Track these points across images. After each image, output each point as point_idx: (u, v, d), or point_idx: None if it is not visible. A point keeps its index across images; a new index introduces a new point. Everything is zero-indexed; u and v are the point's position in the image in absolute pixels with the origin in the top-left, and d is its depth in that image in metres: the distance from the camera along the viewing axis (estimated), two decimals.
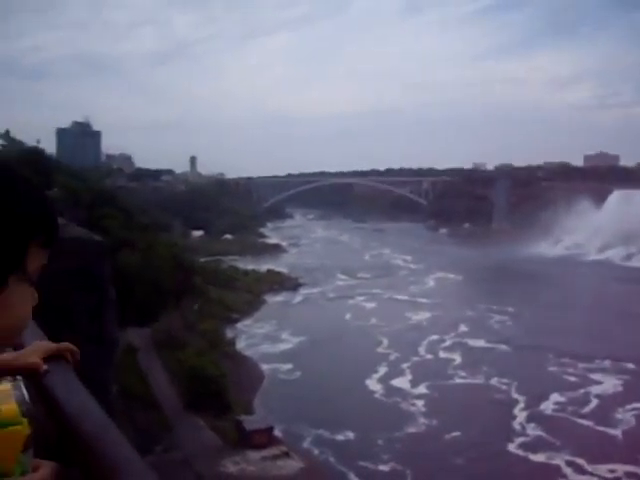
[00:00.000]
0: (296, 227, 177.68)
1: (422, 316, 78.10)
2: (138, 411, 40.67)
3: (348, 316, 79.03)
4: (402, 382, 56.11)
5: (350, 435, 46.05)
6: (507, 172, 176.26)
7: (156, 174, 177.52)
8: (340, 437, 46.04)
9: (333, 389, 52.37)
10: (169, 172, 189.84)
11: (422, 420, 48.62)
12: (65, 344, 1.57)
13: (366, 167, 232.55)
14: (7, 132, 72.27)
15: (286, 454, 42.84)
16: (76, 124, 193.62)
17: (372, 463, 42.35)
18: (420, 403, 51.64)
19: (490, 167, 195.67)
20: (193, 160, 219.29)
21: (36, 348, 1.47)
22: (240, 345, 65.66)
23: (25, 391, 0.94)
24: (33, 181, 1.25)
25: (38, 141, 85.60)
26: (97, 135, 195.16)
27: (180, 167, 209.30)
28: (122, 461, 1.10)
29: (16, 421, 0.88)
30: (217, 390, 48.26)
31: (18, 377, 0.99)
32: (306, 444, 45.68)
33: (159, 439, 39.92)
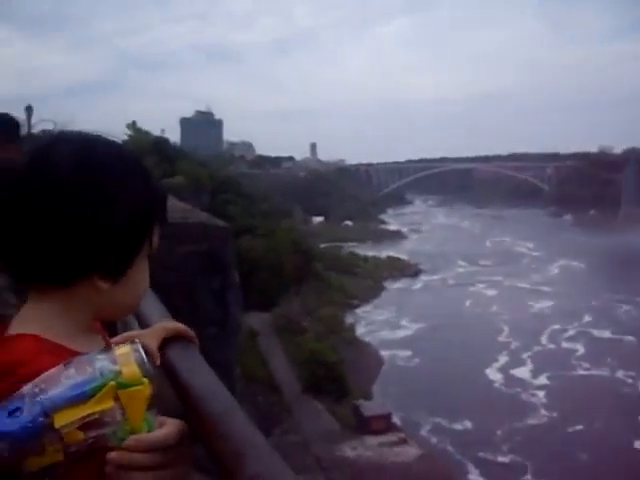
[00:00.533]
0: (416, 213, 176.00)
1: (544, 304, 75.69)
2: (259, 394, 41.48)
3: (468, 303, 77.78)
4: (522, 372, 54.70)
5: (468, 424, 45.38)
6: (636, 156, 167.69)
7: (277, 161, 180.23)
8: (458, 426, 45.44)
9: (452, 377, 51.68)
10: (290, 159, 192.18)
11: (543, 412, 47.26)
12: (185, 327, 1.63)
13: (488, 152, 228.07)
14: (134, 123, 74.76)
15: (404, 441, 42.66)
16: (199, 113, 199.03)
17: (491, 454, 41.59)
18: (541, 394, 50.20)
19: (618, 151, 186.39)
20: (313, 146, 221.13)
21: (159, 329, 1.57)
22: (360, 331, 65.79)
23: (144, 353, 0.97)
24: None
25: (163, 130, 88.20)
26: (219, 123, 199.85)
27: (301, 154, 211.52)
28: (247, 442, 1.12)
29: (138, 382, 0.93)
30: (336, 375, 48.56)
31: (136, 340, 1.02)
32: (424, 432, 45.35)
33: (278, 422, 40.59)
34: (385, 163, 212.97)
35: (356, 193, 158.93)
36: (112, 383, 0.91)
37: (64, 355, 1.01)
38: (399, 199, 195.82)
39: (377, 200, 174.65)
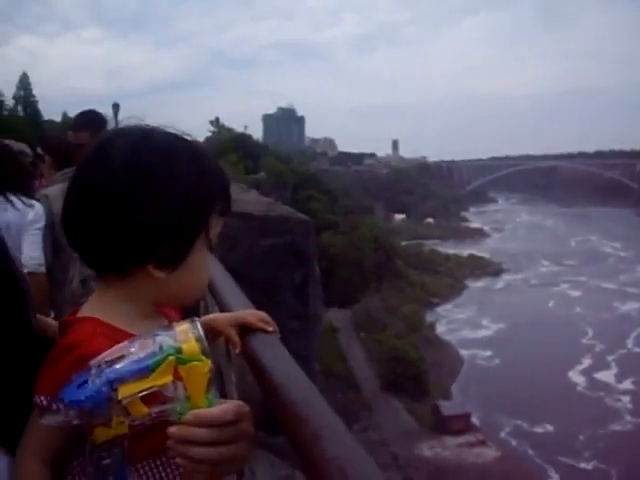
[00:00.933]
0: (499, 211, 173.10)
1: (631, 306, 73.30)
2: (337, 390, 41.68)
3: (551, 304, 76.17)
4: (607, 376, 53.29)
5: (549, 428, 44.54)
6: None
7: (359, 157, 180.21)
8: (539, 429, 44.65)
9: (533, 379, 50.75)
10: (371, 155, 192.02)
11: (628, 418, 46.00)
12: (265, 326, 1.67)
13: (573, 149, 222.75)
14: (217, 119, 76.28)
15: (482, 442, 42.24)
16: (281, 110, 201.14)
17: (573, 459, 40.71)
18: (626, 399, 48.85)
19: None
20: (395, 143, 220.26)
21: (239, 316, 1.64)
22: (440, 330, 65.34)
23: (202, 330, 0.99)
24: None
25: (246, 127, 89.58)
26: (301, 120, 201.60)
27: (383, 150, 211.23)
28: (327, 426, 1.15)
29: (198, 358, 0.96)
30: (415, 373, 48.40)
31: (195, 318, 1.05)
32: (503, 434, 44.76)
33: (357, 418, 40.69)
34: (468, 160, 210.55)
35: (438, 190, 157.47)
36: (171, 358, 0.95)
37: (121, 337, 1.06)
38: (482, 197, 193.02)
39: (459, 198, 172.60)
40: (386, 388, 47.35)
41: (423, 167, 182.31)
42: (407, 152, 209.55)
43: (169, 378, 0.95)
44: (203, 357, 0.96)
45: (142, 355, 0.96)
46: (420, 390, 47.81)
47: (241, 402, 1.05)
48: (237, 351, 1.53)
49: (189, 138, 1.26)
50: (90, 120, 5.43)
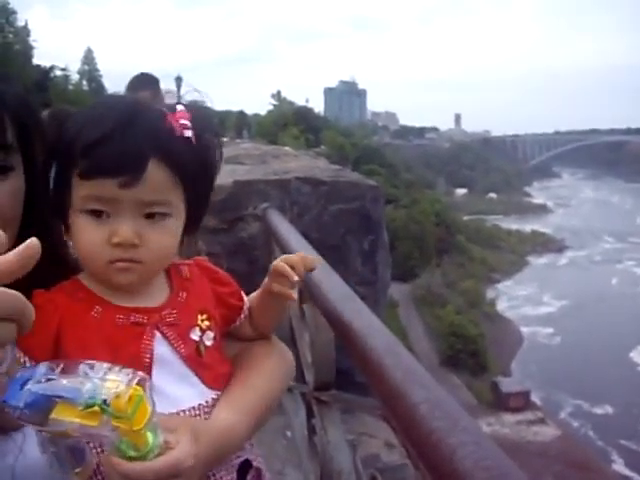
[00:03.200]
0: (563, 187, 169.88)
1: None
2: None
3: (614, 281, 74.79)
4: None
5: (610, 409, 43.86)
6: None
7: (420, 131, 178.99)
8: (599, 410, 44.03)
9: (594, 358, 50.01)
10: (433, 129, 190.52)
11: None
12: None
13: None
14: (278, 92, 76.62)
15: (542, 420, 41.92)
16: (343, 83, 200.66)
17: (636, 443, 40.03)
18: None
19: None
20: (458, 117, 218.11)
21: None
22: (500, 306, 64.80)
23: (147, 394, 0.94)
24: None
25: (307, 100, 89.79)
26: (363, 93, 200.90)
27: (445, 124, 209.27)
28: (413, 372, 1.16)
29: (125, 415, 0.92)
30: (475, 349, 48.24)
31: (139, 373, 0.97)
32: (564, 414, 44.31)
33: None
34: (532, 134, 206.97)
35: (501, 165, 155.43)
36: (96, 408, 0.91)
37: (83, 300, 1.15)
38: (545, 172, 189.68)
39: (522, 172, 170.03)
40: (445, 363, 47.31)
41: (486, 141, 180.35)
42: (470, 126, 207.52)
43: (95, 423, 0.92)
44: (131, 415, 0.91)
45: (76, 386, 0.94)
46: (479, 366, 47.66)
47: (184, 454, 1.01)
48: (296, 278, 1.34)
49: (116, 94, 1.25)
50: (149, 80, 5.73)
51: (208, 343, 1.25)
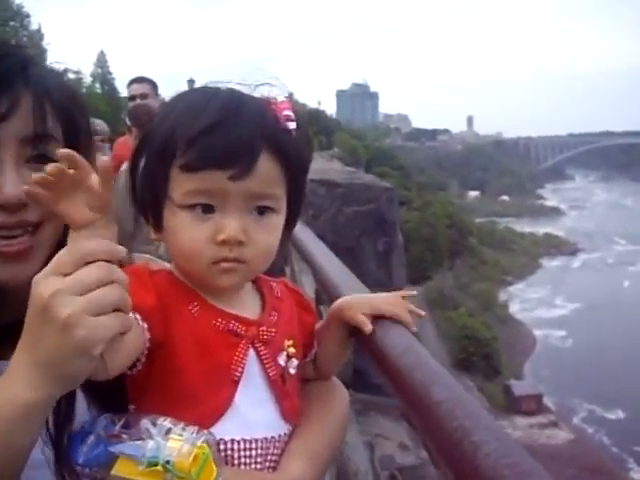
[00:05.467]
0: (576, 189, 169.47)
1: None
2: None
3: (627, 284, 74.52)
4: None
5: (623, 415, 43.56)
6: None
7: (433, 134, 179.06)
8: (612, 416, 43.75)
9: (607, 361, 49.73)
10: (446, 132, 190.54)
11: None
12: (398, 313, 1.36)
13: None
14: (290, 94, 76.63)
15: (554, 424, 41.76)
16: (355, 85, 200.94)
17: None
18: None
19: None
20: (470, 119, 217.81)
21: (372, 304, 1.36)
22: (513, 309, 64.66)
23: (209, 446, 0.94)
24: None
25: (319, 103, 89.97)
26: (375, 96, 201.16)
27: (457, 126, 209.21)
28: (434, 372, 1.14)
29: (188, 476, 0.91)
30: (487, 352, 48.08)
31: (206, 431, 0.96)
32: (576, 419, 44.06)
33: None
34: (545, 137, 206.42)
35: (513, 167, 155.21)
36: (159, 467, 0.91)
37: (181, 295, 1.10)
38: (558, 174, 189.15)
39: (535, 175, 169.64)
40: (457, 366, 47.12)
41: (498, 143, 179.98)
42: (482, 128, 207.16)
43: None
44: (195, 476, 0.90)
45: (138, 444, 0.94)
46: (492, 369, 47.51)
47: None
48: (367, 330, 1.30)
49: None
50: (145, 77, 6.41)
51: (292, 371, 1.20)
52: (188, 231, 1.08)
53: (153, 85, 6.58)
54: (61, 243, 1.02)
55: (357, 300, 1.38)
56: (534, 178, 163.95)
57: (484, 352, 47.71)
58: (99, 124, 6.04)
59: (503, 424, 41.34)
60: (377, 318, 1.32)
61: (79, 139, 1.16)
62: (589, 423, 43.92)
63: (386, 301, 1.37)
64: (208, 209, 1.07)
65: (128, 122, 5.70)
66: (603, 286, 72.35)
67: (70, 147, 1.09)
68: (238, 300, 1.17)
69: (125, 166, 5.07)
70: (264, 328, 1.15)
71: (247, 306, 1.18)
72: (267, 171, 1.08)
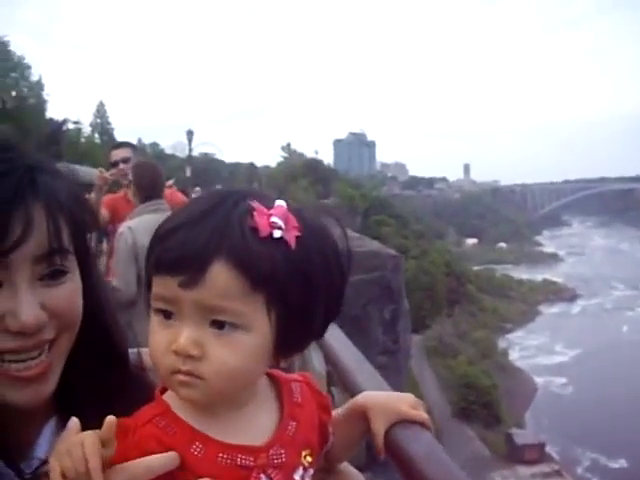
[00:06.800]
0: (573, 235, 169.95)
1: None
2: None
3: (625, 329, 74.32)
4: None
5: (625, 464, 43.08)
6: None
7: (430, 182, 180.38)
8: (615, 465, 43.26)
9: (609, 409, 49.29)
10: (443, 180, 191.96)
11: None
12: (421, 414, 1.35)
13: None
14: (288, 145, 77.93)
15: (557, 472, 41.29)
16: (352, 135, 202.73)
17: None
18: None
19: None
20: (467, 167, 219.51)
21: (390, 411, 1.32)
22: (513, 356, 64.39)
23: None
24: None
25: (316, 152, 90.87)
26: (372, 145, 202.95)
27: (454, 175, 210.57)
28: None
29: None
30: (488, 400, 47.77)
31: None
32: (580, 469, 43.55)
33: None
34: (541, 184, 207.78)
35: (510, 214, 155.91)
36: None
37: (178, 436, 1.01)
38: (555, 220, 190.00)
39: (532, 221, 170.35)
40: (458, 415, 46.84)
41: (495, 191, 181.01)
42: (479, 176, 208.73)
43: None
44: None
45: None
46: (492, 418, 47.15)
47: None
48: (380, 453, 1.27)
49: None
50: (125, 142, 6.83)
51: None
52: (152, 336, 1.03)
53: (134, 148, 6.90)
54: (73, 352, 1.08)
55: (382, 405, 1.34)
56: (531, 225, 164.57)
57: (484, 400, 47.40)
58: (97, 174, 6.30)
59: (505, 474, 41.00)
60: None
61: (89, 248, 1.16)
62: (592, 472, 43.40)
63: (408, 403, 1.36)
64: (168, 315, 1.01)
65: (129, 178, 5.85)
66: (602, 332, 72.15)
67: (80, 255, 1.13)
68: (249, 416, 1.09)
69: (124, 227, 5.25)
70: (274, 450, 1.06)
71: (260, 422, 1.10)
72: (223, 283, 0.97)
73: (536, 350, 68.52)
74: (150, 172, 5.57)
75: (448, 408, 47.79)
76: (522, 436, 44.28)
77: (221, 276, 0.96)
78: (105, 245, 6.13)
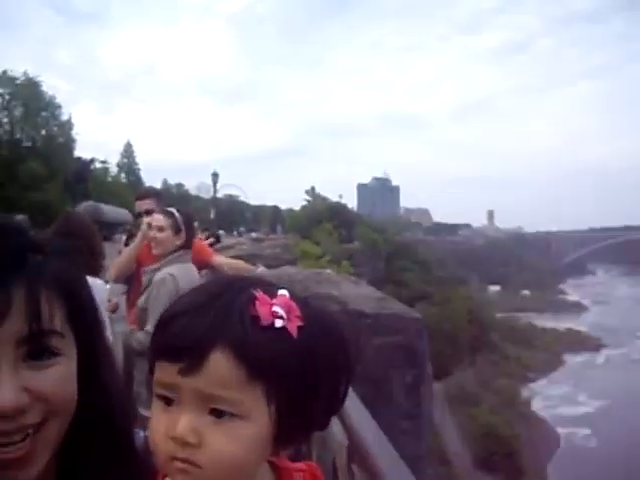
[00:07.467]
0: (598, 284, 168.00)
1: None
2: (430, 464, 40.97)
3: None
4: None
5: None
6: None
7: (453, 228, 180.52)
8: None
9: (634, 462, 48.39)
10: (467, 226, 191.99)
11: None
12: None
13: None
14: (312, 188, 78.47)
15: None
16: (376, 179, 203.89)
17: None
18: None
19: None
20: (491, 214, 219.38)
21: None
22: (536, 406, 63.49)
23: None
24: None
25: (340, 196, 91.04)
26: (396, 190, 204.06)
27: (477, 221, 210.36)
28: None
29: None
30: (510, 451, 47.08)
31: None
32: None
33: None
34: (565, 232, 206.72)
35: (534, 262, 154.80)
36: None
37: None
38: (580, 269, 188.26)
39: (556, 269, 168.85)
40: (479, 465, 46.19)
41: (519, 238, 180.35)
42: (502, 222, 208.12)
43: None
44: None
45: None
46: (514, 469, 46.38)
47: None
48: None
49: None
50: (152, 190, 6.88)
51: None
52: (153, 421, 1.03)
53: (158, 197, 7.04)
54: (66, 438, 1.05)
55: None
56: (555, 272, 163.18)
57: (506, 451, 46.72)
58: (124, 213, 6.50)
59: None
60: None
61: (88, 328, 1.13)
62: None
63: None
64: (169, 401, 1.01)
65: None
66: (628, 383, 70.93)
67: (78, 335, 1.10)
68: None
69: (165, 273, 5.32)
70: None
71: None
72: (222, 371, 0.96)
73: (559, 400, 67.52)
74: (191, 223, 5.74)
75: (469, 458, 47.18)
76: None
77: (220, 365, 0.96)
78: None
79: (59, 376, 1.06)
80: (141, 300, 5.14)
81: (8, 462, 1.01)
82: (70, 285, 1.10)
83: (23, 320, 1.01)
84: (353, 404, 2.74)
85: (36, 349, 1.03)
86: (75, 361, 1.10)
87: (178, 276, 5.10)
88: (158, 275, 5.18)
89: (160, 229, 5.34)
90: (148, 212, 6.27)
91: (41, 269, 1.05)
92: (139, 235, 6.19)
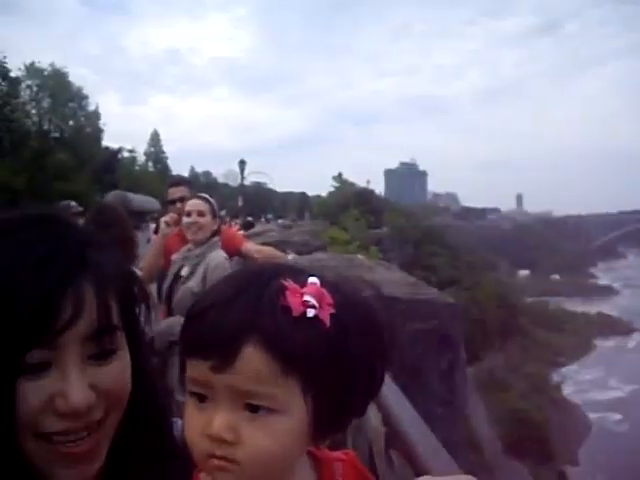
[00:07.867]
0: (629, 267, 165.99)
1: None
2: (458, 450, 40.96)
3: None
4: None
5: None
6: None
7: (482, 212, 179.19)
8: None
9: None
10: (495, 210, 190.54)
11: None
12: None
13: None
14: (340, 174, 78.14)
15: None
16: (403, 165, 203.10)
17: None
18: None
19: None
20: (519, 198, 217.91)
21: None
22: (566, 391, 63.10)
23: None
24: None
25: (368, 182, 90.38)
26: (423, 175, 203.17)
27: (506, 205, 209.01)
28: None
29: None
30: (540, 436, 46.89)
31: None
32: None
33: None
34: (595, 215, 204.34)
35: (564, 246, 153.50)
36: None
37: None
38: (610, 252, 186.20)
39: (586, 253, 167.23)
40: (508, 450, 46.04)
41: (548, 222, 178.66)
42: (531, 206, 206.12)
43: None
44: None
45: None
46: (544, 454, 46.21)
47: None
48: None
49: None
50: (184, 178, 7.02)
51: None
52: (187, 419, 1.01)
53: (189, 185, 7.19)
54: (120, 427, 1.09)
55: None
56: (585, 256, 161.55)
57: (536, 436, 46.55)
58: (152, 202, 6.57)
59: None
60: None
61: (138, 324, 1.16)
62: None
63: None
64: (202, 398, 0.99)
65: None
66: None
67: (129, 331, 1.12)
68: None
69: (222, 257, 5.35)
70: None
71: None
72: (256, 366, 0.93)
73: (590, 385, 67.06)
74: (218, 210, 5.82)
75: (499, 443, 47.08)
76: (576, 474, 43.39)
77: (253, 360, 0.93)
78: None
79: (119, 371, 1.08)
80: (191, 286, 5.06)
81: (77, 455, 1.03)
82: (124, 279, 1.12)
83: (93, 318, 1.02)
84: (390, 390, 2.73)
85: (101, 346, 1.05)
86: (129, 354, 1.11)
87: (229, 259, 5.36)
88: (211, 260, 5.22)
89: (201, 214, 5.40)
90: (181, 199, 6.35)
91: (101, 264, 1.06)
92: (159, 235, 6.28)
